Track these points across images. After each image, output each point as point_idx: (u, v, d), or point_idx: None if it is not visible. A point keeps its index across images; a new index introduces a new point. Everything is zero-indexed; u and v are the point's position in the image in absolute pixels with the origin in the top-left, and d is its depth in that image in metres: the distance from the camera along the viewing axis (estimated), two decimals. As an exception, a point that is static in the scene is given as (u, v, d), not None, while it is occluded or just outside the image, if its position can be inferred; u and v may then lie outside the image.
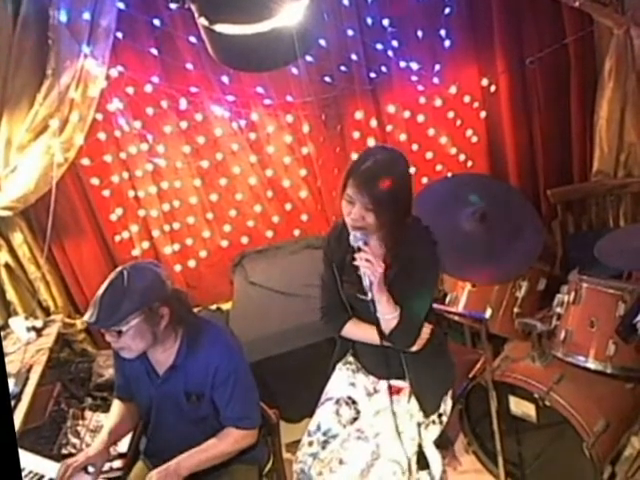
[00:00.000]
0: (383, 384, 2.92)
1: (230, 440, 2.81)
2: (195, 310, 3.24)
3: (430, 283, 2.74)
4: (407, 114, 4.76)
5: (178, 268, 4.87)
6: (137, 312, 2.57)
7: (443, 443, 3.53)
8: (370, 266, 2.52)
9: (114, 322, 2.56)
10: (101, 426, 3.65)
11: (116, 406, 3.05)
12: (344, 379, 3.02)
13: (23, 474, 2.75)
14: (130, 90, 4.35)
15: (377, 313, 2.63)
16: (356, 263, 2.56)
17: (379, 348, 2.73)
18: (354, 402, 2.94)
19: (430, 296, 2.77)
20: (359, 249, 2.55)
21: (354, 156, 4.49)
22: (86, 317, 2.61)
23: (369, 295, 2.58)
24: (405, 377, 2.83)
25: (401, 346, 2.72)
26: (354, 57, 4.51)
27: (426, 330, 2.73)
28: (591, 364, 3.31)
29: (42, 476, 2.74)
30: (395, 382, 2.89)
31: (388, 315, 2.62)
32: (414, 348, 2.71)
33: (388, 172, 2.51)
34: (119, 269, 2.64)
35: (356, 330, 2.83)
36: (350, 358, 3.07)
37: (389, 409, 2.83)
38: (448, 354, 3.00)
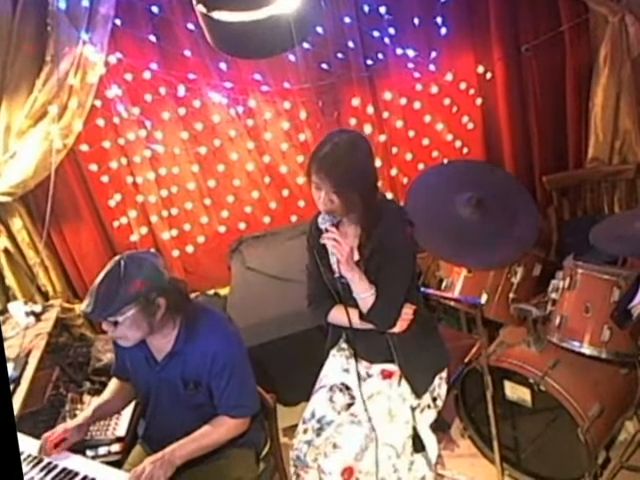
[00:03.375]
0: (376, 368, 2.93)
1: (223, 429, 2.81)
2: (192, 295, 3.24)
3: (405, 262, 2.74)
4: (403, 101, 4.79)
5: (176, 253, 4.90)
6: (133, 303, 2.55)
7: (440, 427, 3.56)
8: (336, 244, 2.58)
9: (110, 313, 2.56)
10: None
11: (111, 384, 3.08)
12: (337, 366, 3.03)
13: (22, 457, 2.76)
14: (128, 77, 4.37)
15: (353, 293, 2.70)
16: (322, 241, 2.63)
17: (369, 333, 2.76)
18: (348, 388, 2.95)
19: (406, 275, 2.76)
20: (327, 230, 2.62)
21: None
22: (83, 307, 2.60)
23: (336, 273, 2.67)
24: (395, 360, 2.85)
25: (381, 326, 2.74)
26: (351, 44, 4.53)
27: (408, 311, 2.74)
28: (586, 349, 3.32)
29: (41, 459, 2.76)
30: (387, 366, 2.91)
31: (363, 294, 2.67)
32: (396, 329, 2.73)
33: (347, 154, 2.55)
34: (116, 258, 2.62)
35: (340, 316, 2.83)
36: (343, 344, 3.08)
37: (382, 393, 2.86)
38: (437, 335, 3.02)
